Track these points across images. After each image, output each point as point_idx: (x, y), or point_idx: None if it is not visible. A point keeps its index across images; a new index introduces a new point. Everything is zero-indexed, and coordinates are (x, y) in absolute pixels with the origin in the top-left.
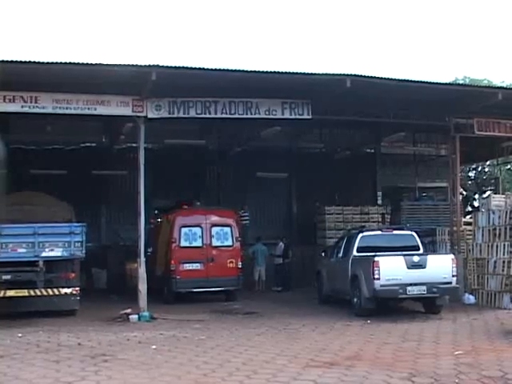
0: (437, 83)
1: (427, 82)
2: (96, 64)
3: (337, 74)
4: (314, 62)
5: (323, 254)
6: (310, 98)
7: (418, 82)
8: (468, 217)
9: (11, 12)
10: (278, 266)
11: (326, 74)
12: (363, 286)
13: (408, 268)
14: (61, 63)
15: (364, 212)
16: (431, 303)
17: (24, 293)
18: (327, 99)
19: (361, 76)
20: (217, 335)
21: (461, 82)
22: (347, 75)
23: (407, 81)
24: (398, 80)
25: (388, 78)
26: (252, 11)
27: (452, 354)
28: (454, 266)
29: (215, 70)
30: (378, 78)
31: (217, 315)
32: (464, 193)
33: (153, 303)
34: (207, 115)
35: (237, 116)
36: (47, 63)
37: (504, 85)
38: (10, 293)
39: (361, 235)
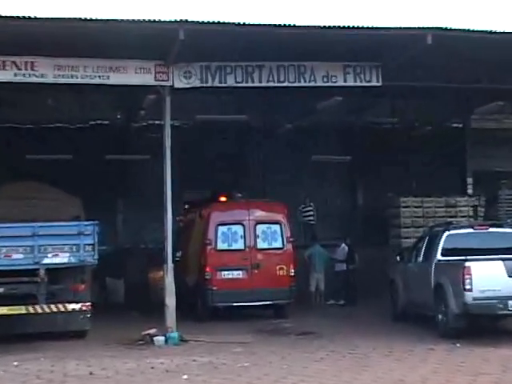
0: None
1: None
2: (109, 20)
3: (414, 28)
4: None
5: (398, 258)
6: (380, 61)
7: None
8: None
9: None
10: (340, 273)
11: (401, 28)
12: (450, 299)
13: (509, 276)
14: (64, 19)
15: (450, 204)
16: None
17: (21, 310)
18: (402, 61)
19: (445, 29)
20: (264, 361)
21: None
22: (428, 29)
23: (507, 33)
24: (495, 33)
25: (482, 31)
26: None
27: None
28: None
29: (258, 25)
30: (468, 31)
31: (263, 336)
32: None
33: (183, 321)
34: (249, 84)
35: (287, 84)
36: (47, 19)
37: None
38: (3, 310)
39: (447, 234)
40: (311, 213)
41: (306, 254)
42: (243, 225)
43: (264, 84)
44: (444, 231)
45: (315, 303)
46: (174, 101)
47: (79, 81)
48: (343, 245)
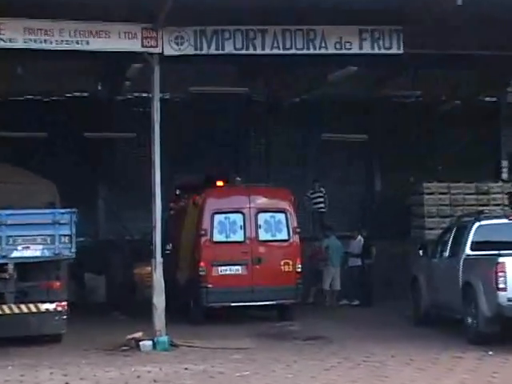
0: None
1: None
2: None
3: None
4: None
5: (421, 253)
6: (402, 24)
7: None
8: None
9: None
10: (354, 269)
11: None
12: (481, 300)
13: None
14: None
15: (482, 191)
16: None
17: None
18: (427, 25)
19: None
20: (266, 370)
21: None
22: None
23: None
24: None
25: None
26: None
27: None
28: None
29: None
30: None
31: (266, 341)
32: None
33: (174, 324)
34: (251, 51)
35: (293, 52)
36: None
37: None
38: None
39: (477, 225)
40: (321, 199)
41: (323, 245)
42: (243, 213)
43: (267, 51)
44: (474, 222)
45: (328, 303)
46: (163, 70)
47: (54, 46)
48: (359, 237)
